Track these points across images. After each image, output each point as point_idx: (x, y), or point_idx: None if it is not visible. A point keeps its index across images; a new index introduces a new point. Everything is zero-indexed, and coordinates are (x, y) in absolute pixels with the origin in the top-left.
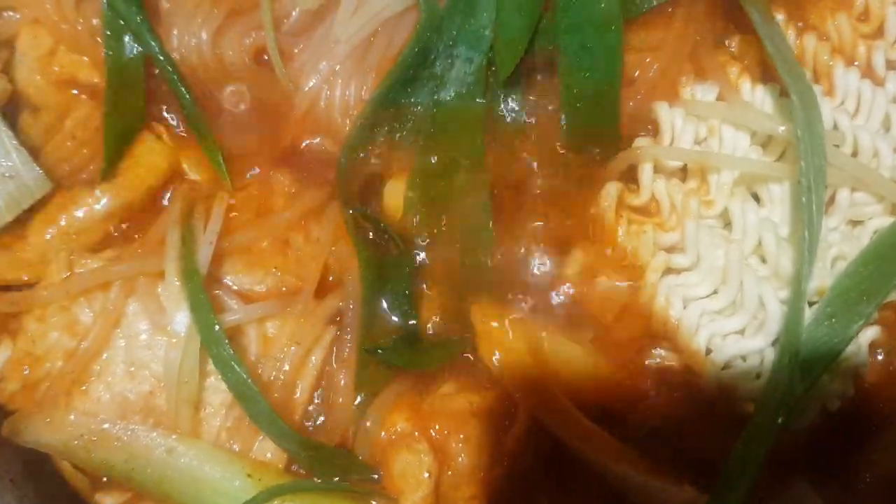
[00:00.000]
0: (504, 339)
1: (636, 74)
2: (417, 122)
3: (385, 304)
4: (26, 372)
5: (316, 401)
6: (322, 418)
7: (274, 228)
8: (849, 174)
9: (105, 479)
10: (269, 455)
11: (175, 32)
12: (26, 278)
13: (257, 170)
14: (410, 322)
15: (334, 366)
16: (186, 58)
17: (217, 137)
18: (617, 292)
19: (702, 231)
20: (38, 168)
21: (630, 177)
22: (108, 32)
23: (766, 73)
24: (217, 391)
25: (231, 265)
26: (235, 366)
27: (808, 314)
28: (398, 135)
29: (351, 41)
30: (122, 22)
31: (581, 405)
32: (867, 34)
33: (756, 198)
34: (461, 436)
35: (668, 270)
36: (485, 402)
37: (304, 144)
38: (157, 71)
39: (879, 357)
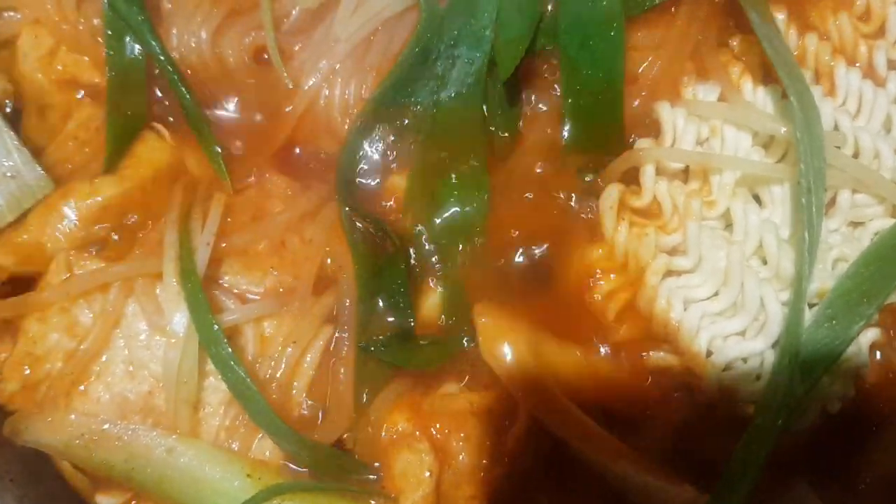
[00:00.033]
0: (504, 338)
1: (639, 72)
2: (417, 122)
3: (381, 303)
4: (27, 372)
5: (315, 400)
6: (321, 417)
7: (271, 231)
8: (850, 175)
9: (105, 478)
10: (267, 454)
11: (175, 32)
12: (28, 270)
13: (257, 167)
14: (408, 320)
15: (333, 365)
16: (186, 57)
17: (217, 137)
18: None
19: (703, 232)
20: (39, 168)
21: (632, 178)
22: (109, 32)
23: (767, 74)
24: (216, 391)
25: (228, 266)
26: (234, 365)
27: (809, 316)
28: (398, 134)
29: (351, 40)
30: (123, 22)
31: (581, 405)
32: (868, 34)
33: (757, 199)
34: (461, 435)
35: (669, 272)
36: (485, 401)
37: (303, 144)
38: (157, 71)
39: (878, 357)
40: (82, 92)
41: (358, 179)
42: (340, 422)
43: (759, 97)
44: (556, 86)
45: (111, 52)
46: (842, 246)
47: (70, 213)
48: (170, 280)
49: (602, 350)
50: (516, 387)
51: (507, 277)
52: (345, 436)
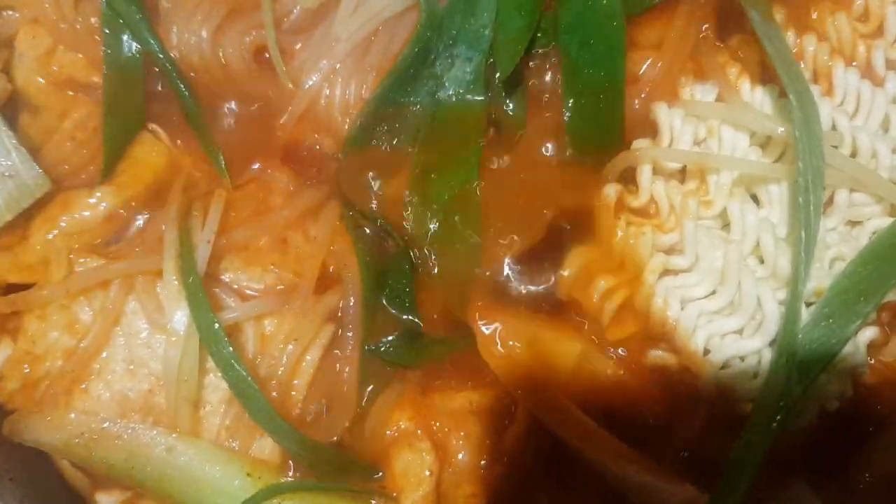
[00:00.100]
0: (504, 338)
1: (640, 72)
2: (417, 121)
3: (385, 301)
4: (26, 371)
5: (316, 399)
6: (322, 416)
7: (272, 226)
8: (847, 175)
9: (105, 477)
10: (267, 453)
11: (175, 30)
12: (27, 281)
13: (257, 165)
14: (411, 319)
15: (334, 363)
16: (186, 56)
17: (216, 136)
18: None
19: (700, 231)
20: (37, 167)
21: (629, 178)
22: (107, 31)
23: (765, 74)
24: (216, 389)
25: (229, 262)
26: (235, 364)
27: (806, 314)
28: (398, 134)
29: (351, 40)
30: (120, 20)
31: (580, 404)
32: (867, 34)
33: (755, 199)
34: (461, 434)
35: (666, 271)
36: (485, 400)
37: (303, 143)
38: (156, 69)
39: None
40: (80, 91)
41: (358, 179)
42: (341, 421)
43: (756, 97)
44: (556, 86)
45: (108, 51)
46: (839, 245)
47: (71, 225)
48: (170, 277)
49: (600, 349)
50: (516, 386)
51: (506, 277)
52: (345, 435)
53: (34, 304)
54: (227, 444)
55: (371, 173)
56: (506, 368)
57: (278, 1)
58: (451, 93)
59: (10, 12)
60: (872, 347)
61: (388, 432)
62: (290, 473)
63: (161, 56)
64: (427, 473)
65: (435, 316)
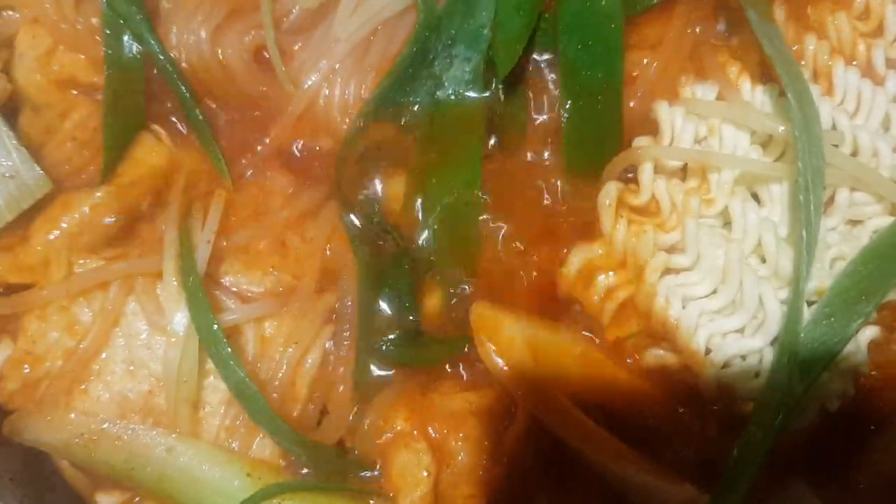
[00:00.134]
0: (503, 338)
1: (636, 73)
2: (416, 121)
3: (384, 301)
4: (26, 371)
5: (315, 399)
6: (321, 417)
7: (271, 228)
8: (848, 174)
9: (105, 477)
10: (267, 454)
11: (174, 31)
12: (27, 281)
13: (257, 166)
14: (411, 318)
15: (333, 364)
16: (186, 56)
17: (216, 136)
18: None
19: (702, 230)
20: (38, 168)
21: (630, 176)
22: (108, 31)
23: (765, 73)
24: (216, 390)
25: (229, 265)
26: (234, 365)
27: (808, 314)
28: (397, 134)
29: (351, 40)
30: (121, 21)
31: (580, 404)
32: (867, 33)
33: (756, 198)
34: (460, 434)
35: (668, 270)
36: (484, 401)
37: (302, 143)
38: (156, 70)
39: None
40: (80, 92)
41: (358, 179)
42: (340, 421)
43: (757, 96)
44: (554, 86)
45: (109, 51)
46: (840, 244)
47: (72, 227)
48: (170, 279)
49: (600, 349)
50: (515, 386)
51: (505, 277)
52: (344, 435)
53: (34, 304)
54: (226, 445)
55: (370, 173)
56: (506, 369)
57: (278, 1)
58: (450, 93)
59: (10, 12)
60: (873, 346)
61: (385, 432)
62: (290, 474)
63: (161, 56)
64: (424, 474)
65: (434, 316)
